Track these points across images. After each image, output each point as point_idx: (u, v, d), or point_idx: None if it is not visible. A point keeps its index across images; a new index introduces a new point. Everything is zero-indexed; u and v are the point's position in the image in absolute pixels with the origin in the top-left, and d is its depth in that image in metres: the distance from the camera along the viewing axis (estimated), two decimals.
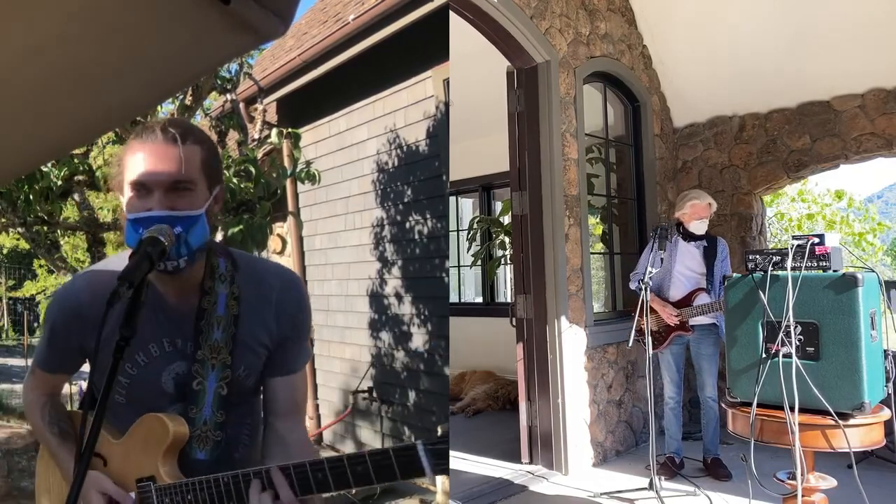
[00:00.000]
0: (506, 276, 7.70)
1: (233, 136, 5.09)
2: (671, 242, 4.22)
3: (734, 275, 2.68)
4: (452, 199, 7.71)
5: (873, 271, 2.54)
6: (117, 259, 1.47)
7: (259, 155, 4.02)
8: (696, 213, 4.25)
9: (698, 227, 4.26)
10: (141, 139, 1.33)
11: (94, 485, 1.36)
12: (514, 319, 4.53)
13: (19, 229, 3.66)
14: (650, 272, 3.83)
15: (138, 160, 1.32)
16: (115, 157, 1.38)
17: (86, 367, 1.44)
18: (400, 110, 5.29)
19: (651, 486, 3.72)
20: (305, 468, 1.21)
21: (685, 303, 4.23)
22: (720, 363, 4.39)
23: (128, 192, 1.33)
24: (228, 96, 4.25)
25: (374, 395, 5.57)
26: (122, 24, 0.89)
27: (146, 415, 1.37)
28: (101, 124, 1.33)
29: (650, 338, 3.88)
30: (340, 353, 6.06)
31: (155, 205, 1.30)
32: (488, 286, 7.66)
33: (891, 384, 2.49)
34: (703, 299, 4.19)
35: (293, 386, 1.51)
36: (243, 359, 1.42)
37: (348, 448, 5.99)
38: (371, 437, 5.71)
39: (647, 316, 3.81)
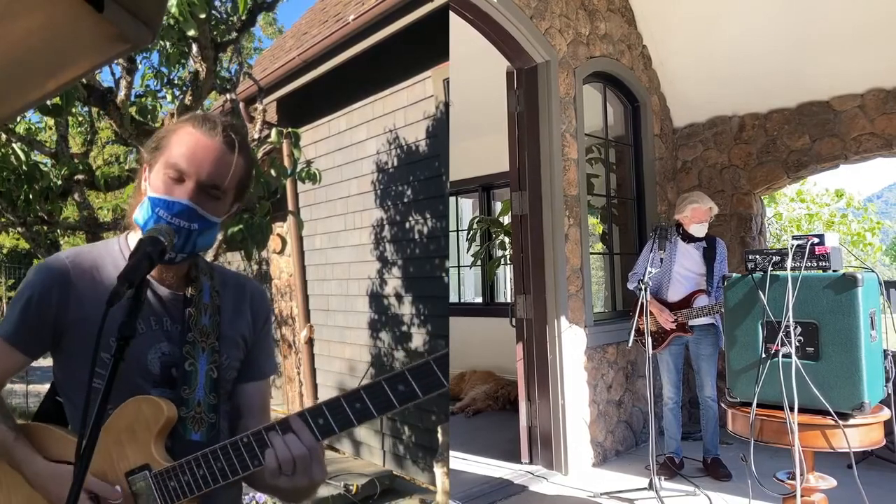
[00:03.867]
0: (506, 276, 7.70)
1: None
2: (671, 243, 4.22)
3: (734, 275, 2.68)
4: (452, 199, 7.71)
5: (873, 271, 2.54)
6: (102, 243, 1.46)
7: (259, 154, 4.02)
8: (697, 216, 4.25)
9: (698, 230, 4.27)
10: (201, 129, 1.32)
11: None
12: (514, 319, 4.53)
13: (19, 229, 3.65)
14: (650, 272, 3.83)
15: (189, 147, 1.31)
16: (162, 132, 1.36)
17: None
18: (400, 110, 5.29)
19: (651, 486, 3.72)
20: (340, 402, 1.21)
21: (684, 304, 4.23)
22: (719, 363, 4.39)
23: (159, 171, 1.32)
24: (228, 96, 4.25)
25: None
26: None
27: (128, 400, 1.30)
28: None
29: (649, 338, 3.89)
30: (340, 352, 6.06)
31: (184, 195, 1.30)
32: (488, 286, 7.66)
33: (890, 384, 2.49)
34: (702, 301, 4.19)
35: (263, 391, 1.53)
36: (227, 349, 1.42)
37: (347, 448, 5.99)
38: (371, 437, 5.71)
39: (646, 316, 3.81)
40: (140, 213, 1.33)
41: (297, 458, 1.22)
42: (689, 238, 4.29)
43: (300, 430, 1.23)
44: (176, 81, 4.06)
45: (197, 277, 1.41)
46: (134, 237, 1.41)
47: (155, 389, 1.34)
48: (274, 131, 3.92)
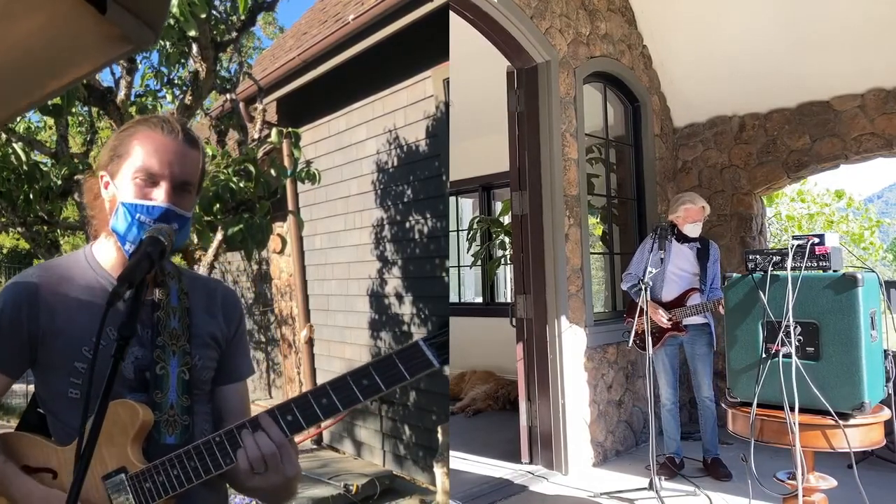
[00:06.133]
0: (506, 276, 7.70)
1: (233, 136, 5.10)
2: (669, 243, 4.23)
3: (734, 275, 2.68)
4: (452, 199, 7.71)
5: (873, 271, 2.54)
6: (69, 255, 1.48)
7: (259, 154, 4.02)
8: (690, 216, 4.27)
9: (692, 230, 4.28)
10: (160, 132, 1.35)
11: None
12: (514, 319, 4.53)
13: (19, 229, 3.66)
14: (650, 272, 3.83)
15: (156, 149, 1.34)
16: (116, 139, 1.38)
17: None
18: (400, 110, 5.29)
19: (651, 486, 3.72)
20: (307, 398, 1.25)
21: (679, 303, 4.24)
22: (718, 363, 4.39)
23: (127, 177, 1.34)
24: (228, 96, 4.26)
25: None
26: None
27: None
28: None
29: (650, 338, 3.88)
30: (340, 352, 6.06)
31: (161, 197, 1.33)
32: (488, 286, 7.66)
33: (891, 384, 2.49)
34: (695, 299, 4.20)
35: (241, 393, 1.55)
36: (198, 349, 1.44)
37: (348, 448, 5.99)
38: (371, 437, 5.71)
39: (646, 317, 3.81)
40: (117, 222, 1.34)
41: (266, 457, 1.26)
42: (682, 238, 4.30)
43: (269, 427, 1.26)
44: (176, 81, 4.06)
45: (164, 281, 1.43)
46: (99, 247, 1.42)
47: (131, 395, 1.35)
48: (274, 131, 3.93)
